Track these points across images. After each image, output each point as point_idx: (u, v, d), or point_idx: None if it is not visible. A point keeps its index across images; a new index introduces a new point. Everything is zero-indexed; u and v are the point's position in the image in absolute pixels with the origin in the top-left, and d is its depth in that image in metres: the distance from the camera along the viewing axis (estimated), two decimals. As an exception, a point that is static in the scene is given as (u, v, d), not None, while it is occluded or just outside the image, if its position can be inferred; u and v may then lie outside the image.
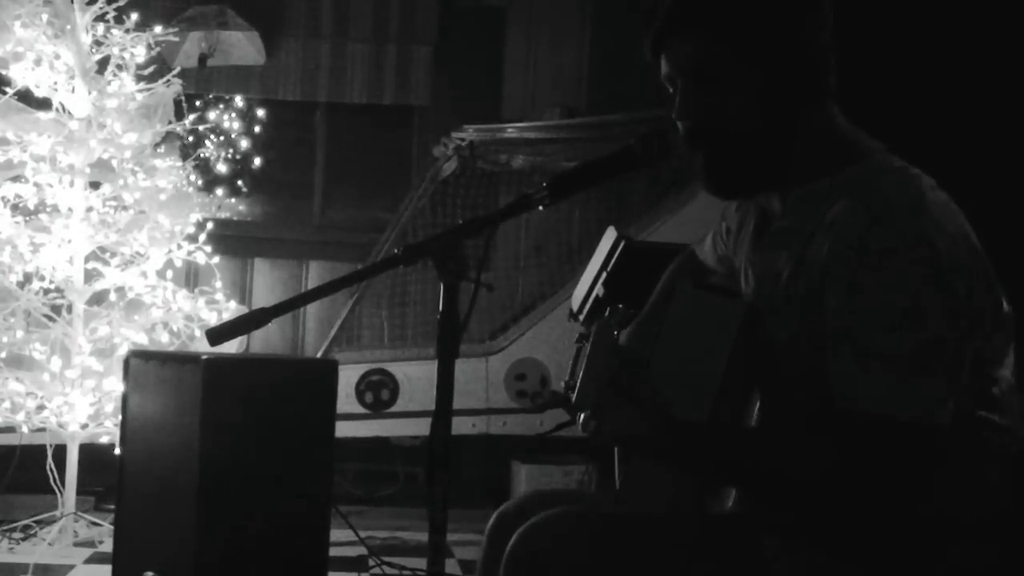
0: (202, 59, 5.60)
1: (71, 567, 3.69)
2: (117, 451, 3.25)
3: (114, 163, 4.26)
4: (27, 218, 4.18)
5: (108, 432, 4.07)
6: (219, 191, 5.78)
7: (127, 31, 4.24)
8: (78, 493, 4.07)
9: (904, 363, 1.34)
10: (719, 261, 1.80)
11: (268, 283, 5.84)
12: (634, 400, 1.50)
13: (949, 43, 4.19)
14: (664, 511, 1.61)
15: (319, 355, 5.06)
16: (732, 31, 1.47)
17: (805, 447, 1.42)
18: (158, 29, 4.37)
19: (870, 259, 1.36)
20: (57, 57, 4.20)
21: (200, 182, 5.40)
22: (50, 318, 4.17)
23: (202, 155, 5.16)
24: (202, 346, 4.12)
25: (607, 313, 1.69)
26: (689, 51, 1.50)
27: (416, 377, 4.87)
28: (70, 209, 4.18)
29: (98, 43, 4.25)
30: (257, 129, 5.89)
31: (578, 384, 1.56)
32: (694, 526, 1.57)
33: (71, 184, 4.19)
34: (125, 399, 3.16)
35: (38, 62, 4.17)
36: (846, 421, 1.36)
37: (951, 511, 1.45)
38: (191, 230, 4.40)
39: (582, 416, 1.57)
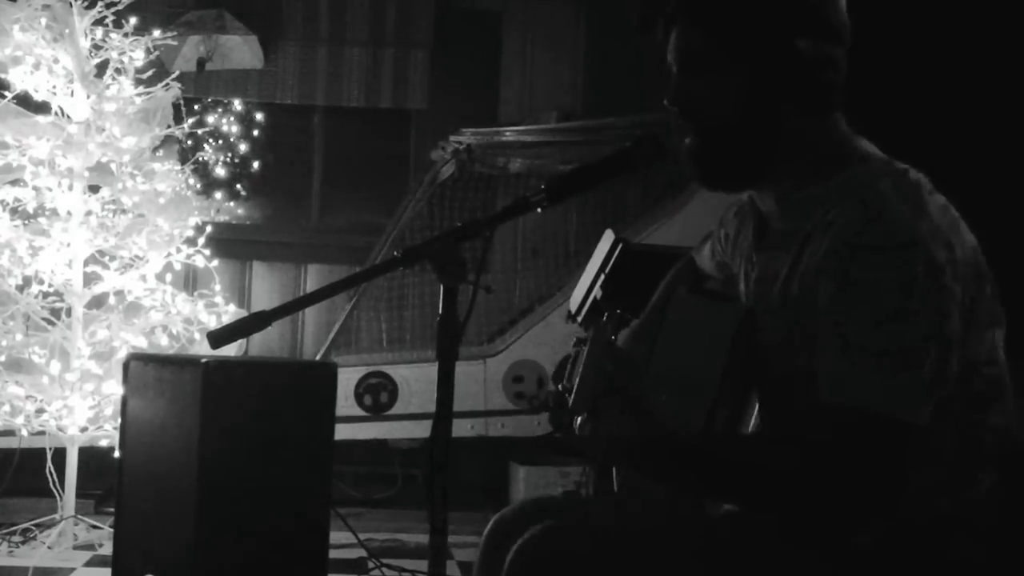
0: (200, 63, 5.62)
1: (71, 570, 3.70)
2: (117, 454, 3.25)
3: (113, 167, 4.26)
4: (26, 222, 4.19)
5: (108, 435, 4.07)
6: (218, 195, 5.79)
7: (126, 35, 4.25)
8: (78, 496, 4.07)
9: (891, 359, 1.35)
10: (718, 267, 1.82)
11: (267, 286, 5.85)
12: (631, 404, 1.51)
13: (949, 44, 4.20)
14: (662, 513, 1.62)
15: (318, 358, 5.07)
16: (722, 26, 1.51)
17: (792, 445, 1.44)
18: (156, 33, 4.38)
19: (864, 256, 1.38)
20: (56, 61, 4.20)
21: (199, 186, 5.42)
22: (49, 322, 4.17)
23: (201, 159, 5.17)
24: (201, 349, 4.13)
25: (605, 318, 1.70)
26: (684, 40, 1.55)
27: (415, 379, 4.88)
28: (69, 213, 4.19)
29: (97, 47, 4.26)
30: (255, 133, 5.91)
31: (575, 387, 1.57)
32: (691, 533, 1.57)
33: (70, 188, 4.20)
34: (124, 402, 3.16)
35: (37, 66, 4.17)
36: (830, 413, 1.38)
37: (945, 510, 1.46)
38: (190, 233, 4.40)
39: (579, 419, 1.58)
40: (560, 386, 1.66)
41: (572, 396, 1.57)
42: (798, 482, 1.39)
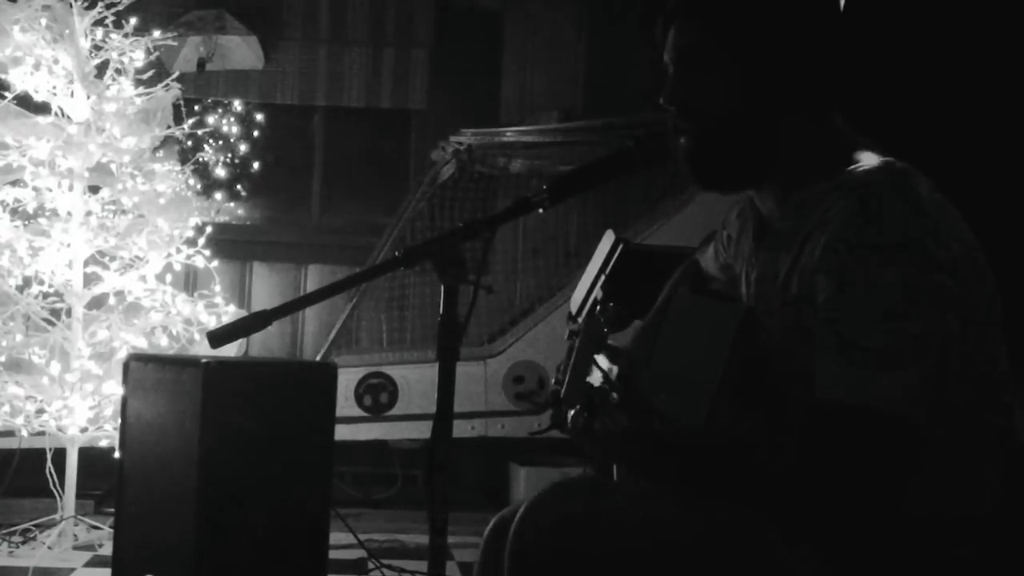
0: (201, 63, 5.62)
1: (71, 570, 3.70)
2: (117, 454, 3.25)
3: (113, 167, 4.26)
4: (26, 222, 4.19)
5: (108, 436, 4.07)
6: (218, 195, 5.79)
7: (126, 35, 4.25)
8: (78, 496, 4.07)
9: (888, 357, 1.35)
10: (721, 269, 1.82)
11: (267, 287, 5.85)
12: (624, 398, 1.51)
13: (949, 44, 4.20)
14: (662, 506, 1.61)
15: (318, 358, 5.07)
16: (721, 24, 1.51)
17: (790, 443, 1.43)
18: (157, 33, 4.38)
19: (862, 254, 1.38)
20: (56, 61, 4.20)
21: (199, 186, 5.41)
22: (49, 322, 4.17)
23: (201, 159, 5.17)
24: (201, 349, 4.13)
25: (597, 311, 1.69)
26: (682, 38, 1.55)
27: (415, 380, 4.88)
28: (69, 213, 4.19)
29: (97, 47, 4.26)
30: (255, 133, 5.90)
31: (566, 379, 1.56)
32: (693, 524, 1.57)
33: (70, 188, 4.20)
34: (124, 402, 3.16)
35: (37, 66, 4.17)
36: (827, 411, 1.38)
37: (948, 509, 1.46)
38: (190, 234, 4.40)
39: (571, 413, 1.57)
40: (554, 379, 1.65)
41: (563, 388, 1.56)
42: (796, 480, 1.39)
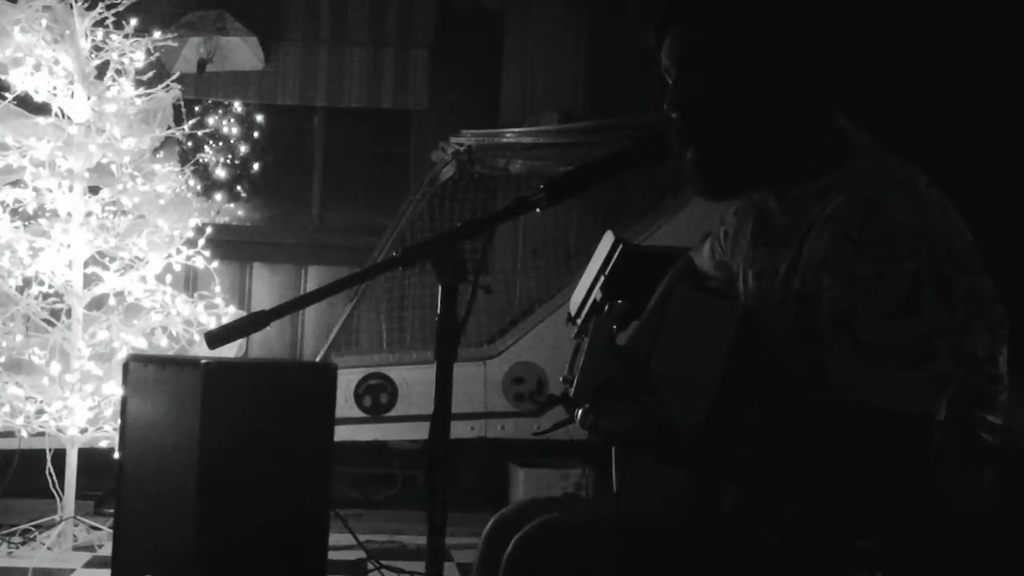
0: (201, 64, 5.62)
1: (71, 571, 3.69)
2: (116, 455, 3.25)
3: (113, 168, 4.26)
4: (26, 223, 4.19)
5: (107, 436, 4.07)
6: (218, 196, 5.79)
7: (126, 36, 4.25)
8: (77, 497, 4.07)
9: (901, 353, 1.35)
10: (717, 266, 1.81)
11: (267, 287, 5.85)
12: (633, 397, 1.51)
13: (949, 43, 4.20)
14: (663, 512, 1.61)
15: (318, 359, 5.07)
16: (724, 25, 1.50)
17: (797, 438, 1.43)
18: (157, 34, 4.38)
19: (867, 250, 1.37)
20: (56, 62, 4.20)
21: (199, 187, 5.42)
22: (49, 323, 4.17)
23: (201, 160, 5.18)
24: (201, 350, 4.12)
25: (606, 308, 1.69)
26: (683, 42, 1.53)
27: (414, 381, 4.88)
28: (69, 214, 4.19)
29: (97, 48, 4.26)
30: (256, 134, 5.91)
31: (576, 378, 1.56)
32: (693, 529, 1.57)
33: (70, 189, 4.20)
34: (124, 403, 3.16)
35: (37, 67, 4.17)
36: (842, 411, 1.37)
37: (947, 509, 1.46)
38: (190, 235, 4.40)
39: (580, 411, 1.57)
40: (562, 379, 1.65)
41: (573, 387, 1.57)
42: (819, 485, 1.39)
